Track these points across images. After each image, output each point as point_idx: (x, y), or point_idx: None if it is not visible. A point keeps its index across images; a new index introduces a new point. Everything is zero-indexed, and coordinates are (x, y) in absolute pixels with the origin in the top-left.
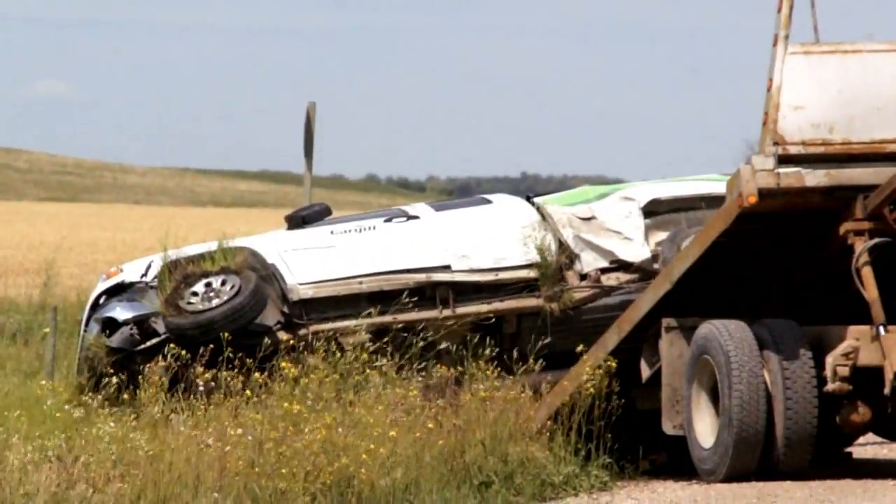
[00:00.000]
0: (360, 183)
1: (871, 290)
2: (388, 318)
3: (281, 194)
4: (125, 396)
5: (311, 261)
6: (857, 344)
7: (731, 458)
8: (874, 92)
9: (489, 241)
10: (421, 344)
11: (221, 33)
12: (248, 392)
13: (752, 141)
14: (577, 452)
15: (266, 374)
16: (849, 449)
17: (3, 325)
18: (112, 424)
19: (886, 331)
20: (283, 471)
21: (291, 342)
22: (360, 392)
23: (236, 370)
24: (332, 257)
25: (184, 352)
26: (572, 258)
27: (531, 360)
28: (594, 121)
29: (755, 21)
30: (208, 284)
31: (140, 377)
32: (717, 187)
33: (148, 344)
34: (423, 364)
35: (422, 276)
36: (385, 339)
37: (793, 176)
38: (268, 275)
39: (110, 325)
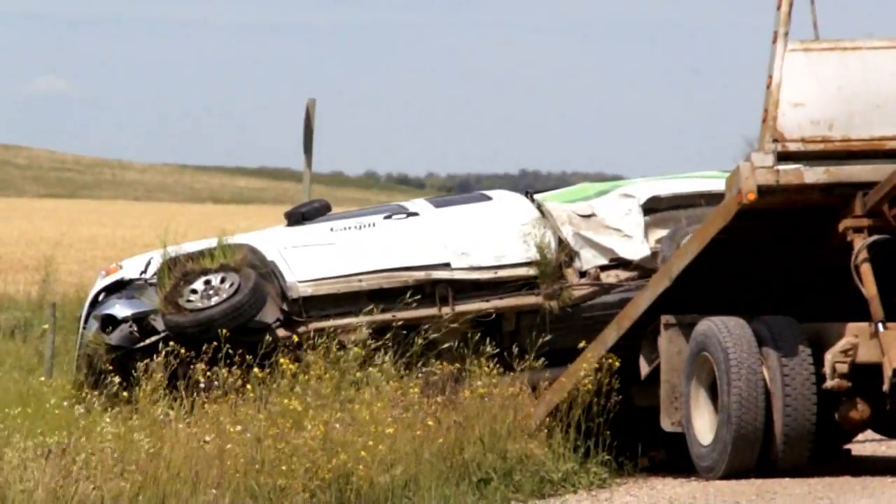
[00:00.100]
0: (360, 180)
1: (869, 287)
2: (387, 316)
3: (280, 191)
4: (125, 394)
5: (310, 258)
6: (855, 341)
7: (730, 454)
8: (874, 89)
9: (489, 238)
10: (420, 342)
11: (221, 30)
12: (248, 387)
13: (751, 138)
14: (576, 449)
15: (266, 370)
16: (847, 446)
17: (2, 322)
18: (108, 420)
19: (885, 327)
20: (283, 468)
21: (295, 339)
22: (360, 389)
23: (236, 367)
24: (331, 255)
25: (182, 350)
26: (572, 256)
27: (531, 358)
28: (593, 118)
29: (755, 18)
30: (207, 282)
31: (137, 374)
32: (717, 184)
33: (147, 342)
34: (423, 361)
35: (421, 274)
36: (386, 337)
37: (792, 173)
38: (267, 272)
39: (110, 323)
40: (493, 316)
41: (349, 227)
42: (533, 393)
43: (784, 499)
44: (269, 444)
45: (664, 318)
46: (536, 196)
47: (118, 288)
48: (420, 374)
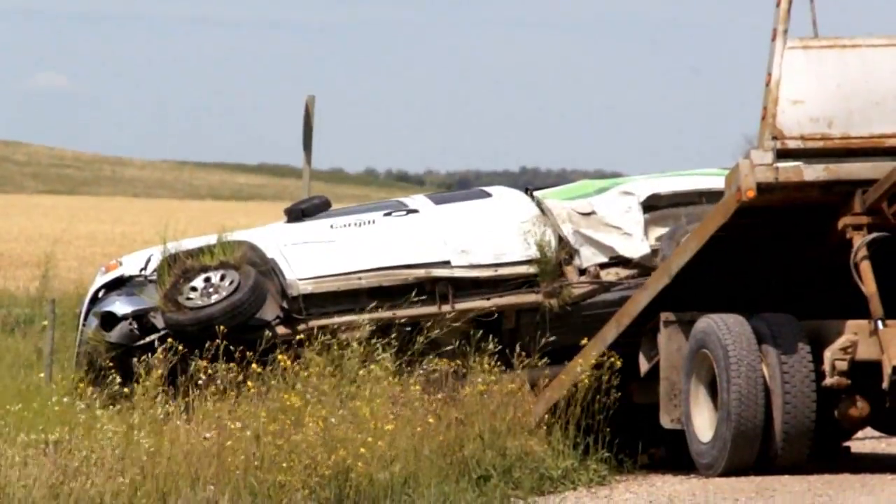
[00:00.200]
0: (359, 177)
1: (869, 285)
2: (387, 314)
3: (280, 188)
4: (125, 390)
5: (310, 256)
6: (855, 338)
7: (730, 452)
8: (873, 87)
9: (489, 236)
10: (422, 340)
11: (220, 27)
12: (248, 384)
13: (750, 135)
14: (576, 446)
15: (265, 367)
16: (847, 443)
17: (1, 318)
18: (106, 418)
19: (885, 325)
20: (284, 465)
21: (298, 336)
22: (360, 386)
23: (234, 364)
24: (331, 252)
25: (181, 346)
26: (572, 253)
27: (535, 356)
28: (593, 115)
29: (754, 17)
30: (207, 280)
31: (137, 371)
32: (717, 182)
33: (147, 339)
34: (424, 359)
35: (421, 272)
36: (386, 335)
37: (791, 170)
38: (267, 270)
39: (109, 320)
40: (494, 314)
41: (349, 224)
42: (532, 390)
43: (783, 496)
44: (269, 440)
45: (664, 316)
46: (536, 193)
47: (118, 285)
48: (421, 371)
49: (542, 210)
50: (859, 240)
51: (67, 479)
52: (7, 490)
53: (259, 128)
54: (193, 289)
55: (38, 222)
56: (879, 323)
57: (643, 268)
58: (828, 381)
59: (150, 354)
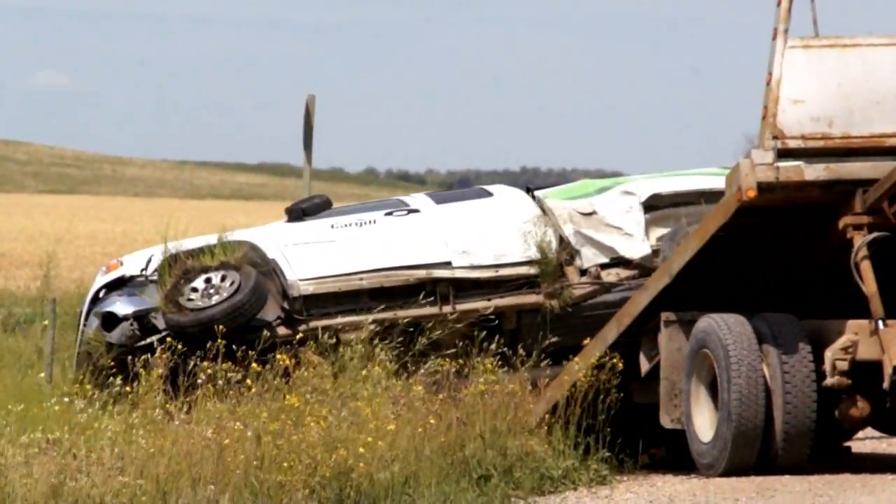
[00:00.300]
0: (360, 176)
1: (869, 285)
2: (388, 315)
3: (280, 187)
4: (127, 389)
5: (311, 256)
6: (855, 338)
7: (730, 452)
8: (873, 86)
9: (490, 236)
10: (424, 340)
11: (221, 26)
12: (248, 382)
13: (751, 135)
14: (577, 446)
15: (265, 366)
16: (847, 443)
17: (2, 318)
18: (106, 419)
19: (885, 325)
20: (285, 464)
21: (299, 336)
22: (363, 383)
23: (235, 363)
24: (332, 252)
25: (180, 345)
26: (573, 254)
27: (535, 356)
28: (593, 114)
29: (755, 16)
30: (208, 280)
31: (137, 370)
32: (718, 181)
33: (148, 340)
34: (425, 360)
35: (422, 273)
36: (397, 339)
37: (792, 170)
38: (268, 270)
39: (110, 320)
40: (494, 315)
41: (350, 224)
42: (533, 389)
43: (784, 496)
44: (269, 440)
45: (664, 315)
46: (537, 193)
47: (119, 285)
48: (423, 370)
49: (542, 210)
50: (860, 239)
51: (68, 478)
52: (7, 489)
53: (259, 127)
54: (194, 290)
55: (39, 221)
56: (880, 323)
57: (644, 268)
58: (828, 380)
59: (150, 355)
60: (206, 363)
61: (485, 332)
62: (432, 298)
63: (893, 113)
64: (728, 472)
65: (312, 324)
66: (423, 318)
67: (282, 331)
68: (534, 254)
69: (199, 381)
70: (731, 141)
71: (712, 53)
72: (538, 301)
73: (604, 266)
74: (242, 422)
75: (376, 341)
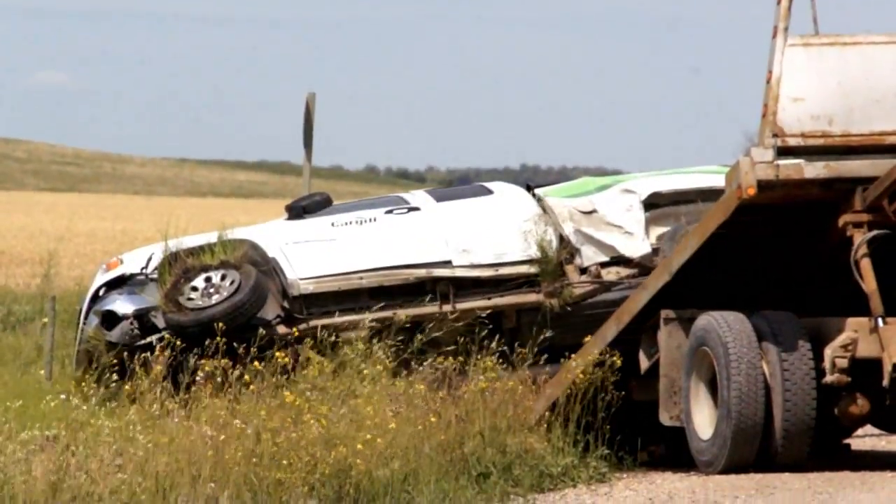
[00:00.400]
0: (360, 174)
1: (869, 282)
2: (388, 314)
3: (280, 185)
4: (127, 387)
5: (311, 255)
6: (855, 336)
7: (730, 449)
8: (873, 84)
9: (490, 235)
10: (423, 339)
11: (221, 24)
12: (246, 377)
13: (751, 133)
14: (576, 444)
15: (264, 364)
16: (847, 441)
17: (2, 316)
18: (101, 412)
19: (885, 322)
20: (284, 462)
21: (295, 333)
22: (363, 379)
23: (235, 360)
24: (332, 251)
25: (179, 342)
26: (573, 253)
27: (529, 350)
28: (593, 113)
29: (755, 14)
30: (208, 279)
31: (136, 368)
32: (718, 179)
33: (148, 339)
34: (424, 358)
35: (422, 272)
36: (387, 334)
37: (792, 168)
38: (268, 269)
39: (110, 319)
40: (494, 314)
41: (350, 222)
42: (533, 387)
43: (783, 493)
44: (268, 437)
45: (664, 313)
46: (537, 191)
47: (119, 283)
48: (421, 369)
49: (543, 208)
50: (860, 237)
51: (68, 476)
52: (6, 488)
53: (260, 125)
54: (194, 289)
55: (39, 219)
56: (880, 320)
57: (644, 267)
58: (828, 378)
59: (150, 353)
60: (204, 362)
61: (486, 331)
62: (432, 297)
63: (893, 111)
64: (727, 470)
65: (312, 322)
66: (423, 317)
67: (281, 329)
68: (534, 252)
69: (199, 377)
70: (731, 139)
71: (712, 52)
72: (538, 300)
73: (604, 264)
74: (242, 419)
75: (376, 340)
